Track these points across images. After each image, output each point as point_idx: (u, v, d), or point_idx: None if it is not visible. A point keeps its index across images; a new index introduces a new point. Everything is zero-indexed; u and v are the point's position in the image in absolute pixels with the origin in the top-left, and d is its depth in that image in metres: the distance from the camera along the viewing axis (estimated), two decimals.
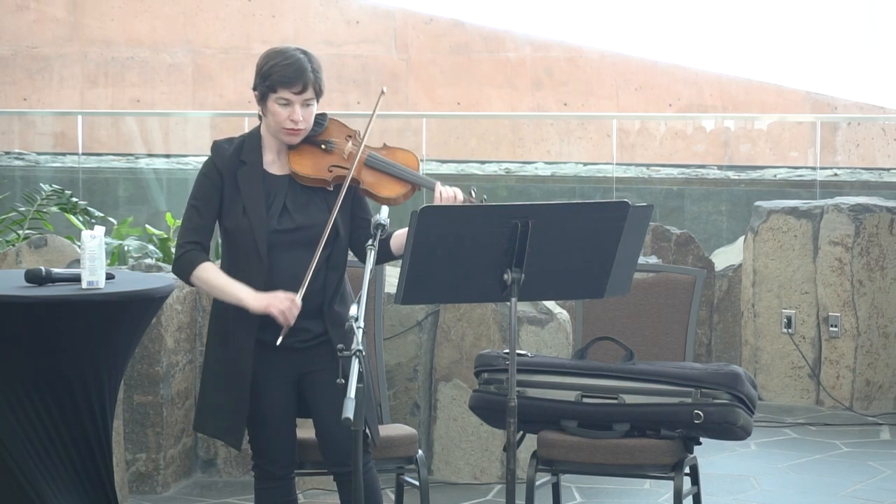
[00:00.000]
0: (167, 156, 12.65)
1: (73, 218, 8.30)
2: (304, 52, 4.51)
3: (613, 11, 13.58)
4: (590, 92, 13.34)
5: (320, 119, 4.57)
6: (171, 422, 6.37)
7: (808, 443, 7.41)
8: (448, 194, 4.47)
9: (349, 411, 3.81)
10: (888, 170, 12.14)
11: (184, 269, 4.52)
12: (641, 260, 5.69)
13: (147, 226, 8.64)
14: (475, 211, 4.26)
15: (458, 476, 6.56)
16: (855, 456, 7.12)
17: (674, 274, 5.50)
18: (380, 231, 4.21)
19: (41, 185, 8.72)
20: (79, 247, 5.75)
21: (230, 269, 4.52)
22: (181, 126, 13.03)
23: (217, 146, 4.58)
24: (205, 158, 4.64)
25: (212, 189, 4.53)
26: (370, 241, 4.18)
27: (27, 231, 8.16)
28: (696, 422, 4.98)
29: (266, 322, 4.42)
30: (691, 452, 5.13)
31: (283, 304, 4.37)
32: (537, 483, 5.14)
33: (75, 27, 14.09)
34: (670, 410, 5.00)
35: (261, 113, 4.54)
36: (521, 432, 5.25)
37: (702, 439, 5.14)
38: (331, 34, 13.68)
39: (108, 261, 7.32)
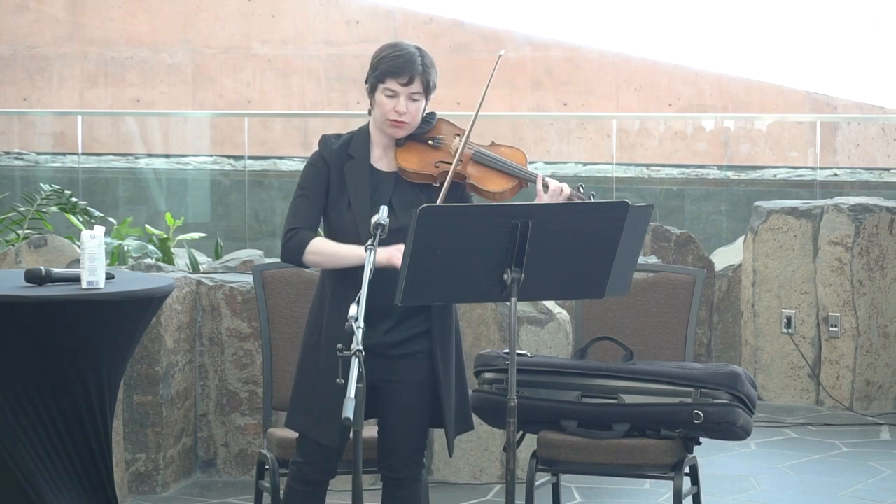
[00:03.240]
0: (167, 156, 12.64)
1: (72, 218, 8.30)
2: (418, 48, 4.48)
3: (613, 11, 13.58)
4: (589, 92, 13.34)
5: (429, 118, 4.55)
6: (171, 422, 6.37)
7: (808, 443, 7.41)
8: (554, 187, 4.42)
9: (349, 411, 3.80)
10: (888, 170, 12.14)
11: (295, 249, 4.44)
12: (641, 260, 5.69)
13: (147, 226, 8.64)
14: (475, 211, 4.26)
15: (457, 476, 6.57)
16: (855, 456, 7.12)
17: (674, 274, 5.50)
18: (379, 231, 4.20)
19: (41, 185, 8.71)
20: (79, 247, 5.75)
21: None
22: (181, 126, 13.02)
23: (325, 139, 4.55)
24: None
25: (318, 178, 4.48)
26: (370, 242, 4.17)
27: (27, 231, 8.16)
28: (695, 422, 4.98)
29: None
30: (691, 452, 5.13)
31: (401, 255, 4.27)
32: (537, 483, 5.14)
33: (75, 27, 14.08)
34: (670, 410, 5.01)
35: (370, 106, 4.53)
36: (521, 432, 5.25)
37: (702, 439, 5.14)
38: (331, 34, 13.68)
39: (108, 261, 7.32)
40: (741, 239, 8.87)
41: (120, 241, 8.05)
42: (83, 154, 11.99)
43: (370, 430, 4.70)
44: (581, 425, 5.08)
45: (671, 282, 5.43)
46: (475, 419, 5.06)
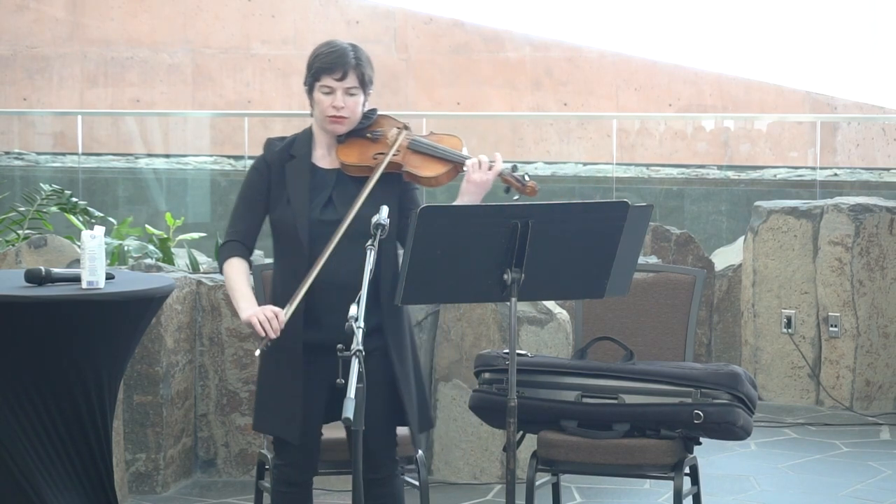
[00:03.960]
0: (167, 156, 12.64)
1: (72, 218, 8.29)
2: (352, 45, 4.56)
3: (613, 11, 13.58)
4: (589, 92, 13.34)
5: (370, 114, 4.60)
6: (171, 422, 6.37)
7: (808, 443, 7.41)
8: (474, 163, 4.44)
9: (349, 411, 3.81)
10: (888, 170, 12.14)
11: (220, 259, 4.59)
12: (641, 260, 5.69)
13: (147, 226, 8.63)
14: (475, 211, 4.26)
15: (457, 476, 6.56)
16: (855, 456, 7.12)
17: (674, 274, 5.50)
18: (380, 231, 4.20)
19: (41, 185, 8.71)
20: (79, 247, 5.75)
21: (278, 261, 4.56)
22: (181, 126, 13.03)
23: (269, 142, 4.62)
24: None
25: (259, 182, 4.56)
26: (370, 242, 4.17)
27: (27, 231, 8.15)
28: (696, 422, 4.98)
29: (311, 323, 4.42)
30: (691, 452, 5.12)
31: (263, 314, 4.35)
32: (537, 483, 5.14)
33: (75, 27, 14.08)
34: (670, 410, 5.00)
35: (310, 106, 4.58)
36: (521, 432, 5.24)
37: (702, 439, 5.13)
38: (331, 34, 13.60)
39: (108, 261, 7.32)
40: (741, 239, 8.87)
41: (120, 241, 8.04)
42: (83, 154, 11.99)
43: (339, 432, 4.71)
44: (581, 425, 5.08)
45: (671, 282, 5.43)
46: (475, 419, 5.07)
